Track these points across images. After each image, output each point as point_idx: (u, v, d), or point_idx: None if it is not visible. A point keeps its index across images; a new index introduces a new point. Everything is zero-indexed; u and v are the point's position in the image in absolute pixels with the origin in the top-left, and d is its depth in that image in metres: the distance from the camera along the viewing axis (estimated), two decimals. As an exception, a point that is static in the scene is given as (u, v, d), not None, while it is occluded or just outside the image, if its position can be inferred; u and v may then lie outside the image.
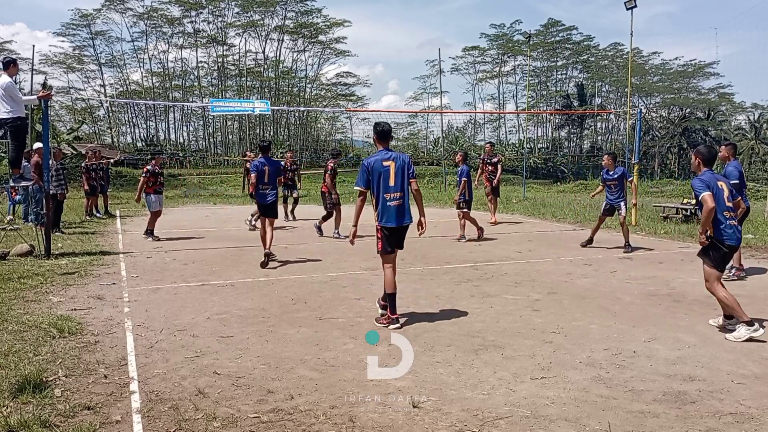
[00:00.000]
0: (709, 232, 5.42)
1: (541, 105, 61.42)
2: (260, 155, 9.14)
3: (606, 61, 61.22)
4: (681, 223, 14.19)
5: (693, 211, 14.90)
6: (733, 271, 7.89)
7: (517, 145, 55.03)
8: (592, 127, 62.79)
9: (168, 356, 4.68)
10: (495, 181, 14.23)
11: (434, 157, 45.14)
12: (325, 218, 11.92)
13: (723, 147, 8.24)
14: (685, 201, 15.89)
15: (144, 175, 11.45)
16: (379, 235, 5.67)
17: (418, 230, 5.84)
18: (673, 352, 4.84)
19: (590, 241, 10.92)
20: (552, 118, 58.66)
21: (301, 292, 6.99)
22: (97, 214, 16.07)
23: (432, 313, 6.03)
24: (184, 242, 11.23)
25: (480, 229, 11.67)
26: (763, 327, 5.16)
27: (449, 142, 48.59)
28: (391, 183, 5.60)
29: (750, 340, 5.10)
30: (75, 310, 6.02)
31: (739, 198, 6.11)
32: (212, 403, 3.78)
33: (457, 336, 5.25)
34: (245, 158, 14.45)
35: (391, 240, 5.68)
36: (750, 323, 5.17)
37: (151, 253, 9.95)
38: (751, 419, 3.58)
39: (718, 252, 5.42)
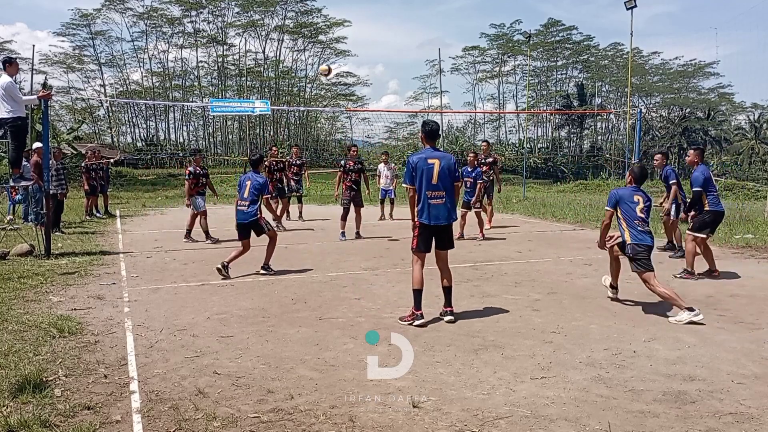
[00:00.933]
0: (619, 239, 6.33)
1: (541, 105, 61.45)
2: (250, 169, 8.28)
3: (606, 61, 61.26)
4: (681, 223, 14.17)
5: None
6: (683, 273, 7.94)
7: (517, 145, 55.08)
8: (592, 127, 62.80)
9: (168, 356, 4.68)
10: (497, 183, 13.53)
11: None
12: (357, 221, 11.73)
13: (690, 151, 8.29)
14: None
15: (188, 177, 11.29)
16: (416, 233, 5.72)
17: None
18: (673, 352, 4.84)
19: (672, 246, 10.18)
20: (552, 118, 58.68)
21: (301, 292, 6.99)
22: (97, 214, 16.07)
23: (432, 313, 6.03)
24: (184, 242, 11.22)
25: (482, 233, 11.73)
26: (700, 313, 5.77)
27: (449, 142, 48.62)
28: (434, 181, 5.60)
29: (691, 323, 5.65)
30: (75, 310, 6.02)
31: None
32: (212, 403, 3.78)
33: (457, 336, 5.25)
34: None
35: (428, 238, 5.70)
36: (691, 309, 5.77)
37: (151, 253, 9.95)
38: (751, 419, 3.58)
39: (642, 255, 6.12)
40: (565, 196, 28.75)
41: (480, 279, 7.82)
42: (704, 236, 7.92)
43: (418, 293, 5.68)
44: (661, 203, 10.32)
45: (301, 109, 53.13)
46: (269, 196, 8.26)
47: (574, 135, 61.79)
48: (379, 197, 16.27)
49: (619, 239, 6.33)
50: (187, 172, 11.43)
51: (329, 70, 13.24)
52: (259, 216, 7.99)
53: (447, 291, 5.83)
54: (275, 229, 8.26)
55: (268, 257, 8.20)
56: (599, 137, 62.36)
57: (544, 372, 4.36)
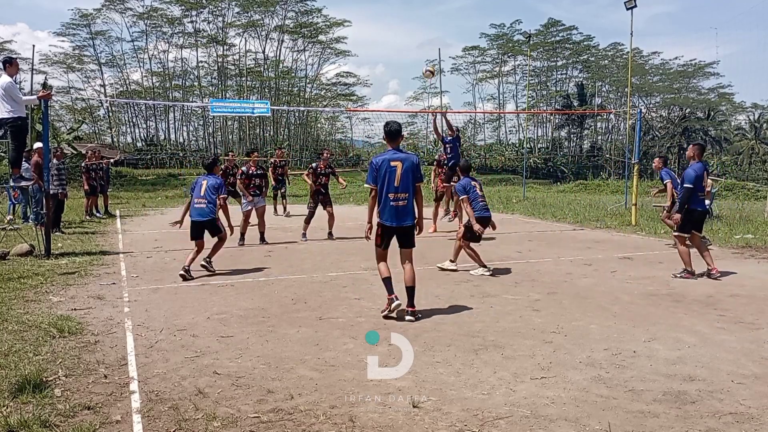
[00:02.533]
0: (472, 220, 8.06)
1: (541, 105, 61.42)
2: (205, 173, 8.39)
3: (606, 61, 61.23)
4: (681, 223, 14.16)
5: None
6: (683, 273, 7.94)
7: (517, 145, 55.07)
8: (592, 127, 62.78)
9: (168, 356, 4.68)
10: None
11: (434, 158, 45.17)
12: (330, 223, 11.77)
13: (690, 146, 8.34)
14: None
15: (239, 177, 11.29)
16: (378, 231, 5.86)
17: (415, 231, 5.97)
18: (673, 352, 4.84)
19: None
20: (552, 118, 58.66)
21: (301, 292, 6.99)
22: (97, 214, 16.07)
23: (432, 313, 6.03)
24: (184, 242, 11.20)
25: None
26: (489, 271, 8.13)
27: (449, 142, 48.46)
28: (396, 183, 5.70)
29: (482, 276, 7.93)
30: (75, 310, 6.02)
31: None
32: (212, 403, 3.78)
33: (457, 336, 5.25)
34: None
35: (389, 237, 5.84)
36: (484, 266, 8.15)
37: (151, 253, 9.95)
38: (751, 419, 3.58)
39: (472, 229, 7.99)
40: (565, 196, 28.76)
41: (480, 279, 7.83)
42: (688, 235, 7.97)
43: (387, 280, 5.82)
44: (662, 204, 10.95)
45: (301, 109, 53.12)
46: (225, 196, 8.23)
47: (574, 135, 61.77)
48: None
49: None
50: (240, 171, 11.47)
51: (432, 73, 13.18)
52: (215, 216, 8.03)
53: (410, 291, 5.84)
54: (227, 231, 8.27)
55: (213, 252, 8.23)
56: (599, 137, 62.34)
57: (544, 372, 4.36)
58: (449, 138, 12.02)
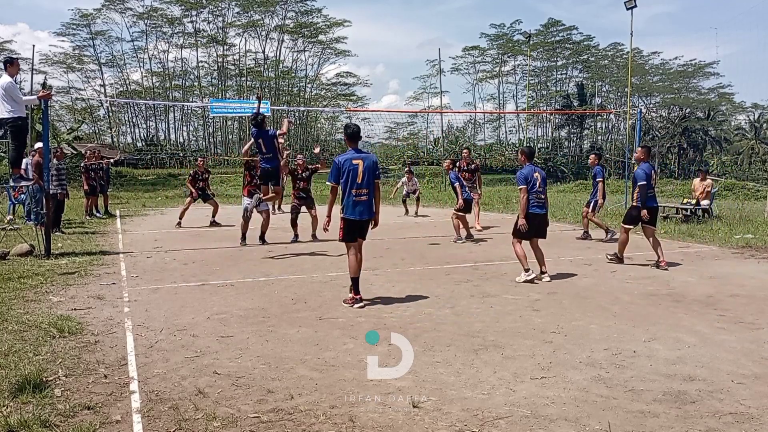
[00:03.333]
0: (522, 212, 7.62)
1: (541, 105, 61.47)
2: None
3: (606, 61, 61.29)
4: (681, 223, 14.19)
5: (693, 210, 14.90)
6: (662, 264, 8.52)
7: (517, 145, 55.06)
8: (592, 127, 62.80)
9: (168, 356, 4.68)
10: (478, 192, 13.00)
11: (434, 157, 45.15)
12: (313, 225, 11.50)
13: (638, 149, 9.11)
14: (685, 201, 15.90)
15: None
16: (342, 225, 6.31)
17: (371, 225, 6.46)
18: (673, 352, 4.84)
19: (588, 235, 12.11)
20: (552, 118, 58.68)
21: (301, 292, 6.99)
22: (97, 214, 16.08)
23: (432, 313, 6.03)
24: (184, 242, 11.22)
25: (468, 235, 11.57)
26: (531, 273, 7.48)
27: (449, 142, 48.60)
28: (359, 180, 6.17)
29: (527, 281, 7.40)
30: (75, 310, 6.02)
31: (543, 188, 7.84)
32: (212, 403, 3.78)
33: (457, 336, 5.25)
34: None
35: (353, 231, 6.32)
36: (526, 270, 7.49)
37: (151, 253, 9.95)
38: (751, 419, 3.58)
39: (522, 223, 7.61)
40: (565, 196, 28.76)
41: (480, 279, 7.82)
42: (631, 227, 8.80)
43: (355, 281, 6.36)
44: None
45: (301, 109, 53.13)
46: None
47: (574, 135, 61.78)
48: (402, 197, 17.08)
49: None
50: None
51: None
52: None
53: (354, 281, 6.36)
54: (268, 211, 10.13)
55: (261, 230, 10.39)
56: (599, 137, 62.34)
57: (544, 372, 4.36)
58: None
